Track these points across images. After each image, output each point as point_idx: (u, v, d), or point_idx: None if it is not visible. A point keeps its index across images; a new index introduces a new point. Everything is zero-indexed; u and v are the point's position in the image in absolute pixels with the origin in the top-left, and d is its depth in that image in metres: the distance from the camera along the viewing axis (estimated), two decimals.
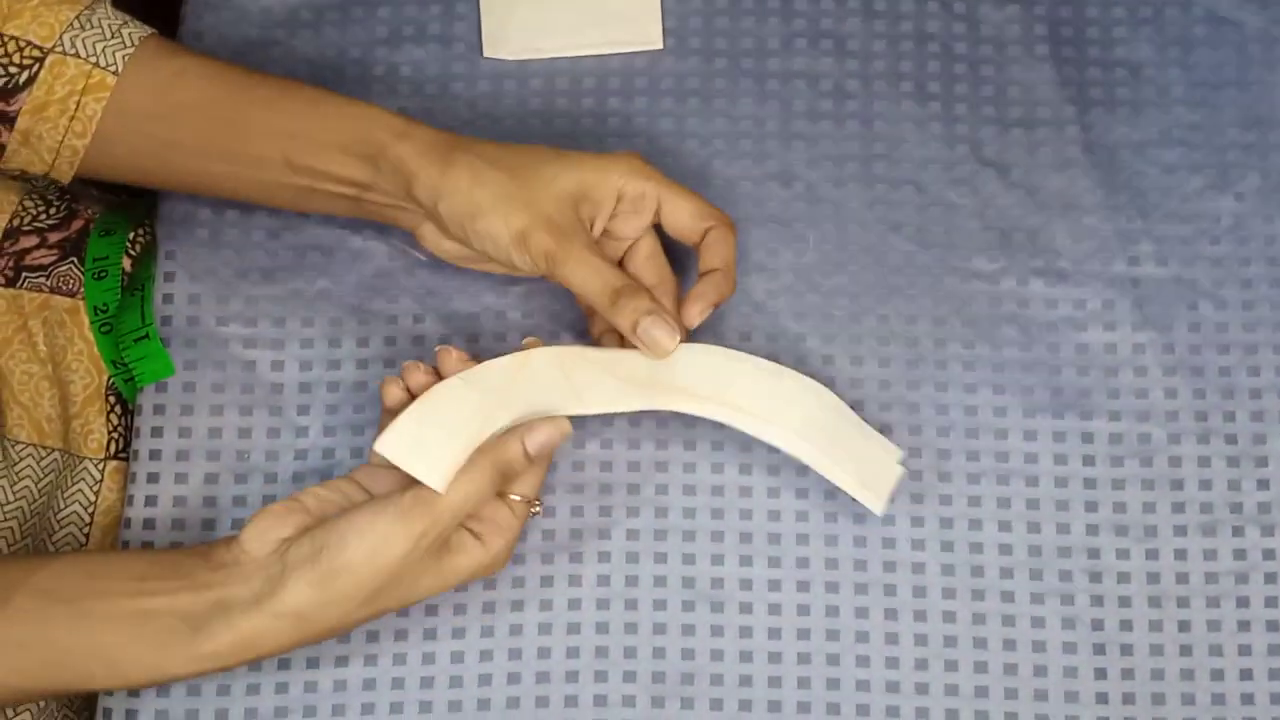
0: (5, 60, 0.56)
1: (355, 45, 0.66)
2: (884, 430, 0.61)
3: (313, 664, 0.58)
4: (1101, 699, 0.58)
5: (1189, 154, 0.64)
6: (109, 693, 0.58)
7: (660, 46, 0.66)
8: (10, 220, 0.64)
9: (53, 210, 0.65)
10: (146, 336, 0.62)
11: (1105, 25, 0.66)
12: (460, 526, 0.54)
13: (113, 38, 0.57)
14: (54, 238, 0.64)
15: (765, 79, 0.65)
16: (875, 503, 0.58)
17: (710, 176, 0.64)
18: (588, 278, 0.55)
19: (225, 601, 0.52)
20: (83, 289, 0.64)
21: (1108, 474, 0.61)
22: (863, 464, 0.58)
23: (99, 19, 0.57)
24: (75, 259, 0.64)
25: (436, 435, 0.53)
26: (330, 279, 0.63)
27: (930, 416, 0.61)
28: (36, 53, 0.56)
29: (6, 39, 0.56)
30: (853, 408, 0.61)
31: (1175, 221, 0.64)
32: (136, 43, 0.57)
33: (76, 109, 0.56)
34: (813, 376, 0.61)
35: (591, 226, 0.57)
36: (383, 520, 0.52)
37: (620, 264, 0.59)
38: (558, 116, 0.65)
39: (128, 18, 0.58)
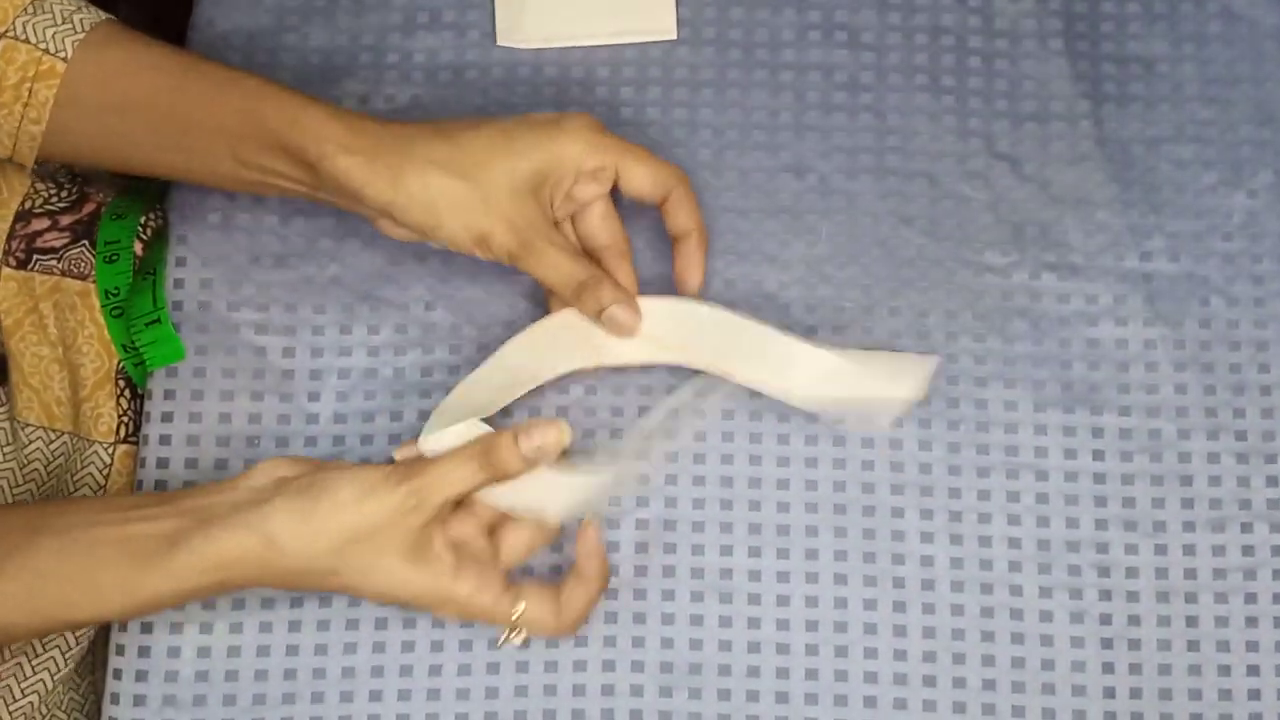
0: None
1: (369, 33, 0.66)
2: (894, 423, 0.61)
3: (321, 650, 0.59)
4: (1109, 693, 0.58)
5: (1202, 150, 0.64)
6: (101, 649, 0.58)
7: (674, 37, 0.66)
8: (22, 203, 0.64)
9: (64, 193, 0.65)
10: (158, 321, 0.62)
11: (1120, 20, 0.66)
12: (447, 542, 0.54)
13: (64, 23, 0.56)
14: (65, 220, 0.64)
15: (779, 70, 0.65)
16: (917, 389, 0.58)
17: (723, 168, 0.64)
18: (549, 273, 0.57)
19: (207, 511, 0.53)
20: (94, 272, 0.64)
21: (1117, 469, 0.61)
22: (893, 368, 0.59)
23: (52, 4, 0.56)
24: (87, 242, 0.64)
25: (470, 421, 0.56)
26: (342, 265, 0.63)
27: (940, 410, 0.61)
28: None
29: None
30: None
31: (1188, 217, 0.63)
32: (88, 29, 0.57)
33: (30, 95, 0.56)
34: None
35: (553, 204, 0.58)
36: (376, 473, 0.54)
37: (574, 223, 0.60)
38: (571, 105, 0.65)
39: (84, 3, 0.57)
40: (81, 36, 0.56)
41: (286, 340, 0.62)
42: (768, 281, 0.63)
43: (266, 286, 0.63)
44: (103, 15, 0.58)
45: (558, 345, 0.59)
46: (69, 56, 0.56)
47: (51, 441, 0.62)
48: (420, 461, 0.55)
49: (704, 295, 0.62)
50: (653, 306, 0.59)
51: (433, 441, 0.56)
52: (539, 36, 0.66)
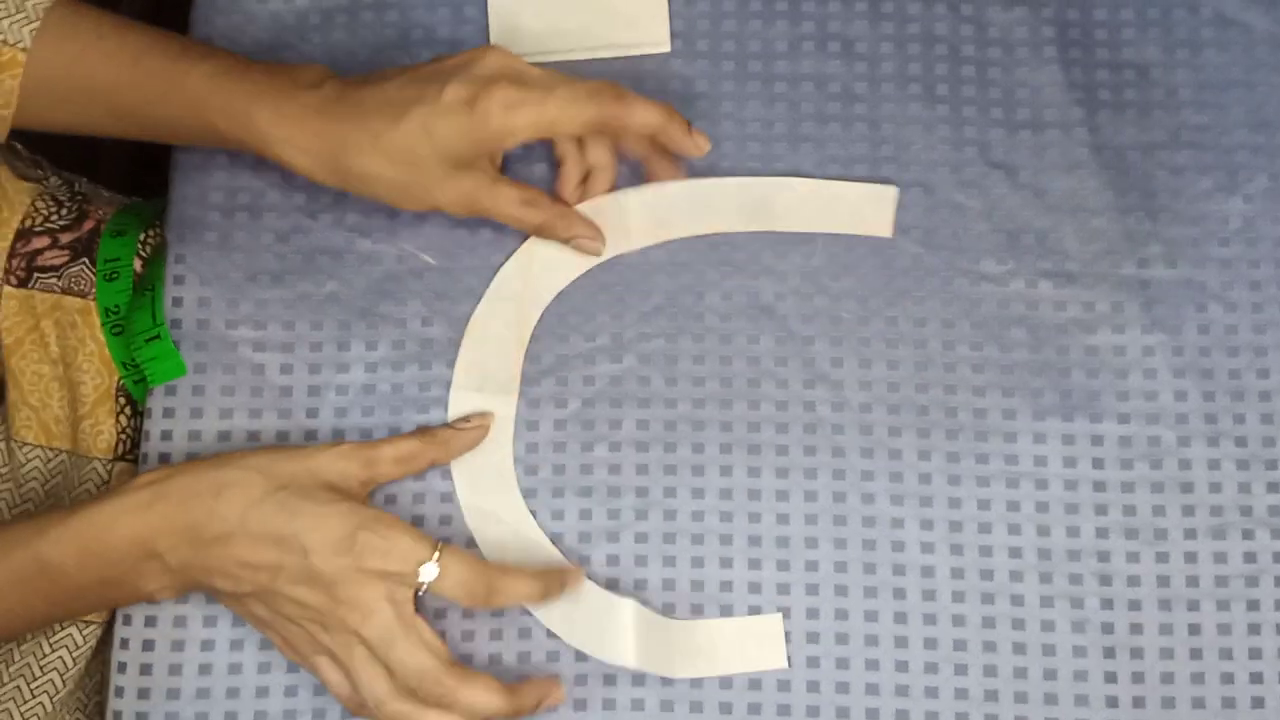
0: None
1: (364, 48, 0.66)
2: (893, 433, 0.61)
3: None
4: (1111, 702, 0.58)
5: (1197, 155, 0.64)
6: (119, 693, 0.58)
7: (667, 49, 0.66)
8: (22, 221, 0.64)
9: (64, 211, 0.65)
10: (158, 337, 0.62)
11: (1113, 27, 0.66)
12: (362, 570, 0.54)
13: (17, 12, 0.57)
14: (65, 238, 0.65)
15: (773, 81, 0.65)
16: (884, 227, 0.62)
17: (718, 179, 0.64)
18: (508, 221, 0.60)
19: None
20: (94, 290, 0.64)
21: (1117, 477, 0.60)
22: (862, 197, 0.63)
23: None
24: (87, 260, 0.64)
25: (493, 361, 0.61)
26: (339, 282, 0.63)
27: (939, 419, 0.61)
28: None
29: None
30: (861, 411, 0.61)
31: (1184, 223, 0.63)
32: (42, 15, 0.57)
33: None
34: (821, 380, 0.62)
35: (494, 159, 0.60)
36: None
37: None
38: None
39: None
40: (38, 24, 0.57)
41: (284, 357, 0.62)
42: (764, 293, 0.63)
43: (264, 304, 0.63)
44: None
45: (550, 261, 0.62)
46: (28, 46, 0.57)
47: (49, 460, 0.63)
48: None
49: (700, 306, 0.62)
50: (645, 196, 0.63)
51: (460, 403, 0.61)
52: (533, 50, 0.66)
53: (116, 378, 0.63)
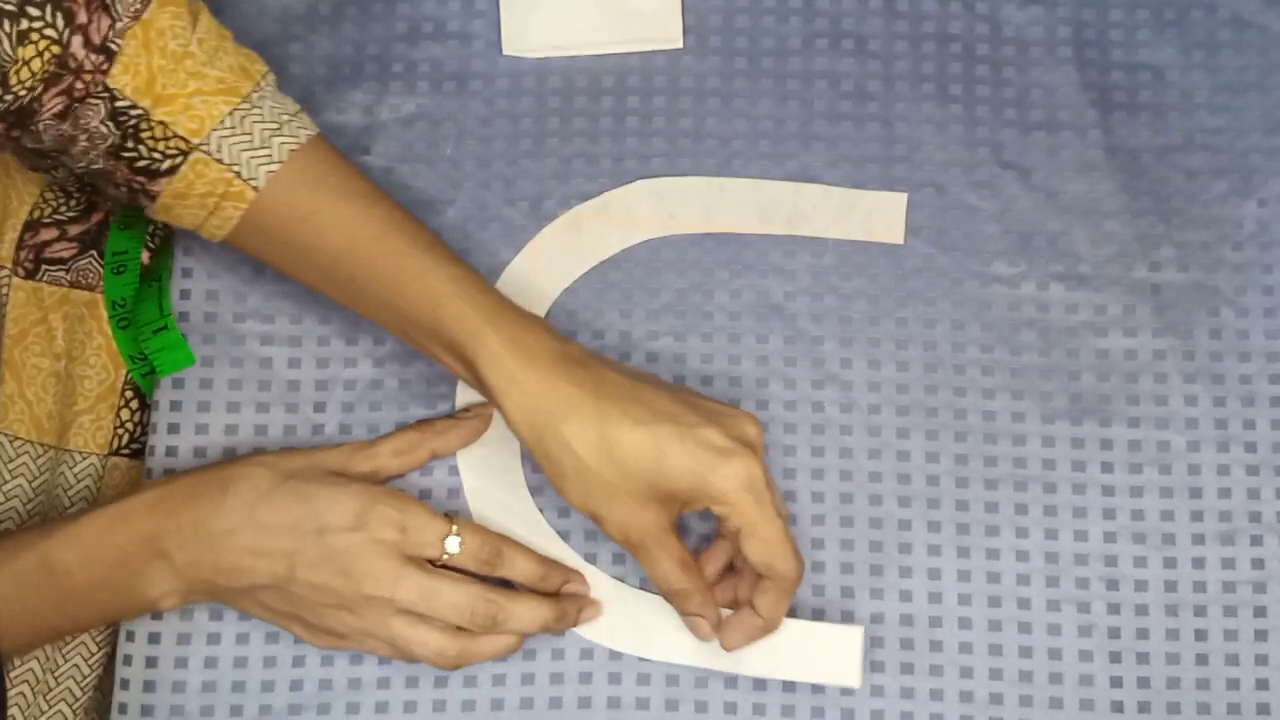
0: (152, 143, 0.54)
1: (374, 41, 0.66)
2: (901, 435, 0.61)
3: (328, 661, 0.59)
4: (1117, 707, 0.58)
5: (1212, 159, 0.64)
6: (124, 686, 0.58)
7: (680, 45, 0.65)
8: (31, 212, 0.64)
9: (72, 202, 0.65)
10: (165, 328, 0.62)
11: (1129, 28, 0.65)
12: (379, 541, 0.55)
13: (261, 147, 0.55)
14: (74, 230, 0.65)
15: (785, 79, 0.65)
16: (895, 234, 0.63)
17: (730, 177, 0.64)
18: (652, 575, 0.55)
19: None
20: (102, 283, 0.64)
21: (1126, 481, 0.60)
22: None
23: (252, 122, 0.55)
24: (95, 252, 0.64)
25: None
26: None
27: (948, 421, 0.61)
28: (182, 144, 0.54)
29: (155, 123, 0.54)
30: (869, 412, 0.61)
31: (1197, 227, 0.63)
32: (285, 157, 0.55)
33: (215, 208, 0.56)
34: (830, 380, 0.61)
35: (675, 514, 0.55)
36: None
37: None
38: (576, 115, 0.65)
39: (287, 117, 0.56)
40: (276, 169, 0.55)
41: (292, 351, 0.62)
42: (773, 292, 0.63)
43: (272, 297, 0.63)
44: (303, 136, 0.56)
45: (558, 256, 0.62)
46: (260, 186, 0.55)
47: (38, 456, 0.62)
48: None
49: (709, 304, 0.62)
50: (678, 185, 0.63)
51: (467, 399, 0.61)
52: (545, 45, 0.65)
53: (124, 372, 0.63)
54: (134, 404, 0.63)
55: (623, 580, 0.59)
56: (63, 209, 0.65)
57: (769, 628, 0.56)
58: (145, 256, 0.64)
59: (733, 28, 0.66)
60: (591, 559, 0.60)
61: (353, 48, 0.66)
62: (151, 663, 0.59)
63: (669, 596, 0.56)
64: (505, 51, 0.66)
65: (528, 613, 0.57)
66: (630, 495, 0.53)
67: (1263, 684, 0.58)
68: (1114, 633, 0.59)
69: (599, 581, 0.59)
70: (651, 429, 0.53)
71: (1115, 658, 0.59)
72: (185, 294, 0.63)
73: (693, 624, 0.57)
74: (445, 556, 0.56)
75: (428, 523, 0.56)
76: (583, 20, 0.66)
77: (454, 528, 0.56)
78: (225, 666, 0.59)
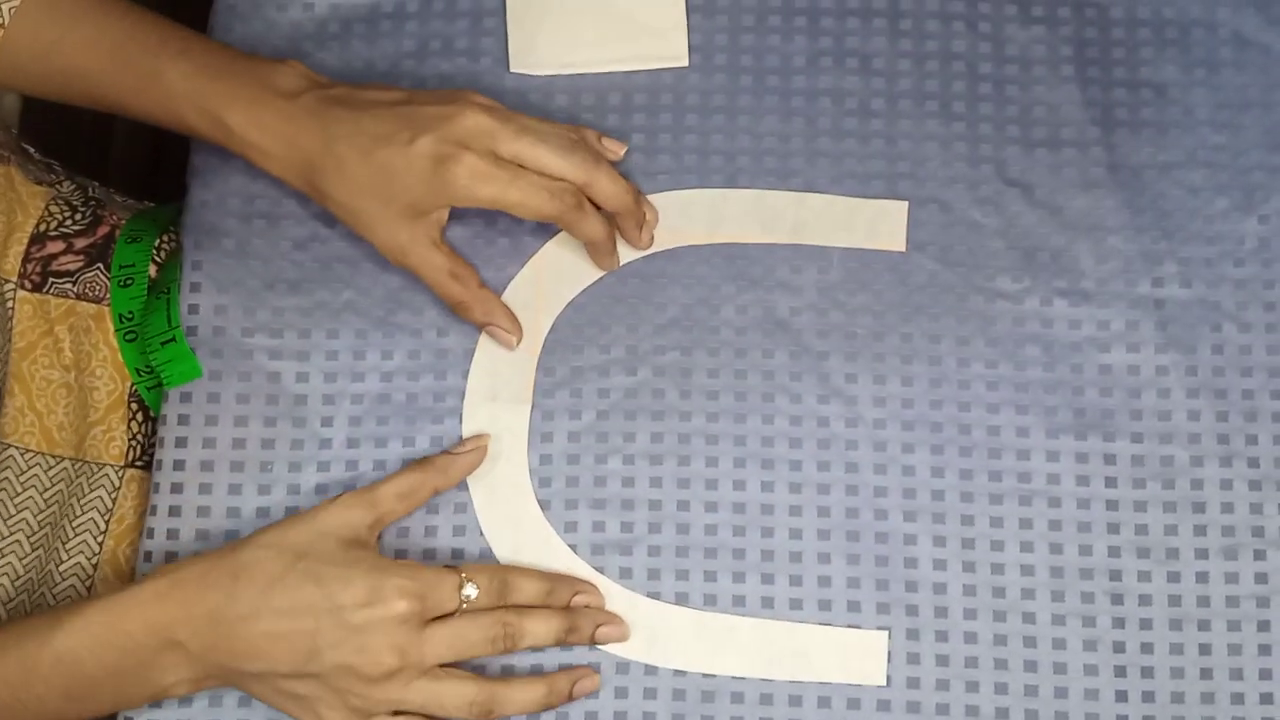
0: None
1: (382, 59, 0.66)
2: (906, 449, 0.61)
3: None
4: None
5: (1214, 175, 0.64)
6: None
7: (686, 64, 0.66)
8: (37, 225, 0.64)
9: (78, 216, 0.66)
10: (174, 340, 0.62)
11: (1131, 46, 0.66)
12: (395, 615, 0.55)
13: None
14: (80, 244, 0.65)
15: (790, 96, 0.65)
16: (897, 242, 0.63)
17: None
18: (430, 286, 0.61)
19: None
20: (109, 296, 0.64)
21: (1130, 495, 0.61)
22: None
23: None
24: (101, 265, 0.65)
25: (507, 371, 0.62)
26: (356, 291, 0.63)
27: (953, 436, 0.61)
28: None
29: None
30: (875, 426, 0.61)
31: (1200, 243, 0.64)
32: None
33: None
34: (836, 395, 0.62)
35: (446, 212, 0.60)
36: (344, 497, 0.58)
37: None
38: None
39: None
40: (17, 4, 0.58)
41: (300, 365, 0.63)
42: (779, 307, 0.63)
43: (281, 311, 0.63)
44: None
45: (563, 269, 0.63)
46: (5, 23, 0.58)
47: (50, 468, 0.62)
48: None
49: (715, 319, 0.63)
50: (681, 197, 0.63)
51: (475, 413, 0.61)
52: (552, 64, 0.66)
53: (129, 384, 0.63)
54: (139, 416, 0.64)
55: (632, 590, 0.60)
56: (68, 222, 0.65)
57: (631, 209, 0.61)
58: (153, 270, 0.65)
59: (738, 46, 0.66)
60: (600, 570, 0.60)
61: (362, 65, 0.66)
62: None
63: (456, 310, 0.61)
64: (512, 69, 0.66)
65: (539, 626, 0.57)
66: (385, 219, 0.58)
67: (1267, 698, 0.58)
68: (1119, 647, 0.59)
69: (608, 591, 0.59)
70: (373, 156, 0.57)
71: (1120, 672, 0.59)
72: (193, 308, 0.63)
73: (490, 334, 0.61)
74: (464, 606, 0.56)
75: (441, 581, 0.56)
76: (589, 39, 0.66)
77: (463, 575, 0.56)
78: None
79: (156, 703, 0.58)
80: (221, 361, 0.63)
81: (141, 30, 0.59)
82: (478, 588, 0.56)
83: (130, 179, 0.98)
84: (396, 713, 0.56)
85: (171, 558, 0.60)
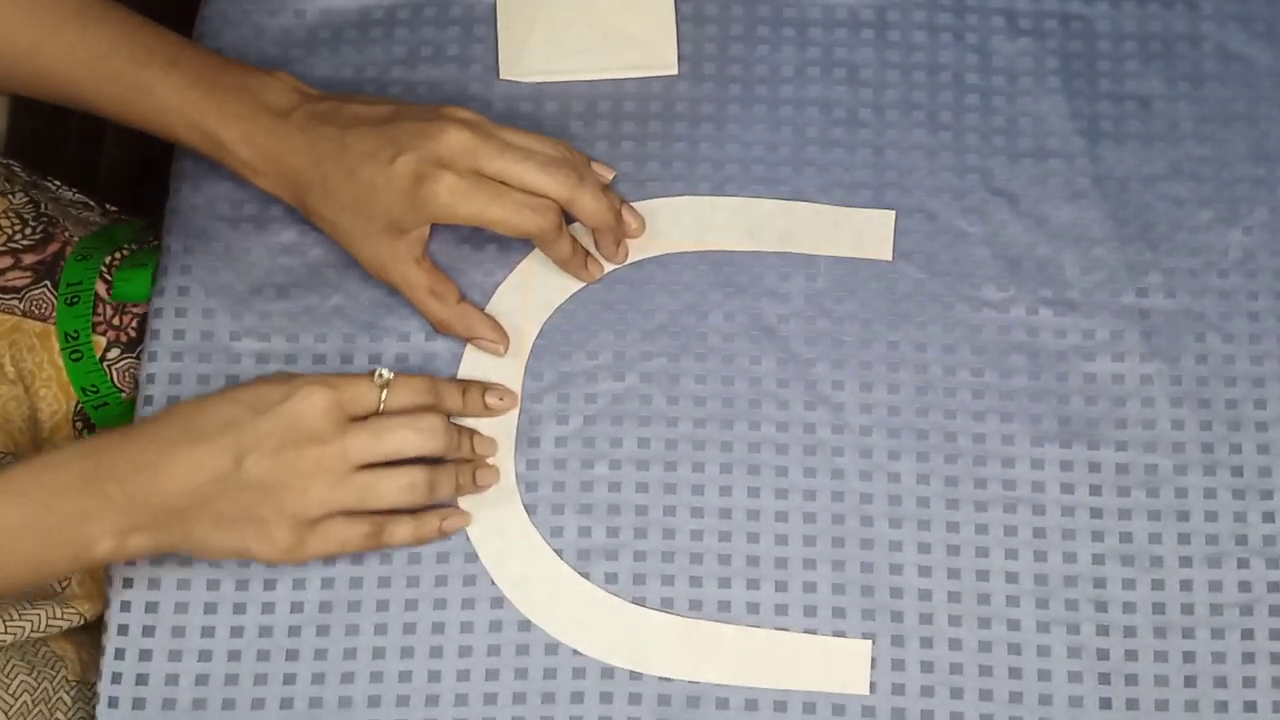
0: None
1: (372, 65, 0.66)
2: (892, 456, 0.61)
3: (320, 656, 0.59)
4: None
5: (1198, 187, 0.65)
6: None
7: (675, 72, 0.66)
8: None
9: (29, 230, 0.65)
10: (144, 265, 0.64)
11: (1116, 59, 0.66)
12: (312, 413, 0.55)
13: None
14: (29, 260, 0.64)
15: (779, 106, 0.66)
16: (884, 250, 0.63)
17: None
18: (411, 302, 0.61)
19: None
20: (54, 314, 0.64)
21: (1114, 504, 0.61)
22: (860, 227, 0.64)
23: None
24: (49, 283, 0.64)
25: (493, 376, 0.62)
26: (344, 296, 0.63)
27: (938, 444, 0.61)
28: None
29: None
30: (860, 434, 0.61)
31: (1184, 254, 0.64)
32: None
33: None
34: (822, 402, 0.62)
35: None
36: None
37: None
38: (572, 140, 0.65)
39: None
40: None
41: (287, 369, 0.62)
42: (767, 314, 0.63)
43: (269, 316, 0.63)
44: None
45: (549, 277, 0.63)
46: None
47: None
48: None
49: (703, 326, 0.63)
50: (669, 204, 0.64)
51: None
52: (542, 70, 0.66)
53: (75, 403, 0.63)
54: (85, 435, 0.63)
55: (617, 595, 0.60)
56: (18, 237, 0.64)
57: (609, 226, 0.61)
58: (101, 289, 0.64)
59: (727, 55, 0.67)
60: (586, 575, 0.60)
61: (352, 71, 0.66)
62: (145, 656, 0.59)
63: (438, 326, 0.61)
64: (502, 76, 0.66)
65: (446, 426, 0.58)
66: (368, 236, 0.59)
67: (1250, 706, 0.59)
68: (1103, 654, 0.59)
69: (594, 596, 0.59)
70: (357, 175, 0.58)
71: (1104, 679, 0.59)
72: (181, 312, 0.63)
73: (477, 346, 0.61)
74: (383, 395, 0.57)
75: (357, 378, 0.57)
76: (579, 46, 0.66)
77: (380, 371, 0.57)
78: (222, 636, 0.59)
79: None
80: (209, 365, 0.62)
81: (128, 37, 0.59)
82: (394, 374, 0.57)
83: (117, 184, 0.98)
84: (345, 514, 0.56)
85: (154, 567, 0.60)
